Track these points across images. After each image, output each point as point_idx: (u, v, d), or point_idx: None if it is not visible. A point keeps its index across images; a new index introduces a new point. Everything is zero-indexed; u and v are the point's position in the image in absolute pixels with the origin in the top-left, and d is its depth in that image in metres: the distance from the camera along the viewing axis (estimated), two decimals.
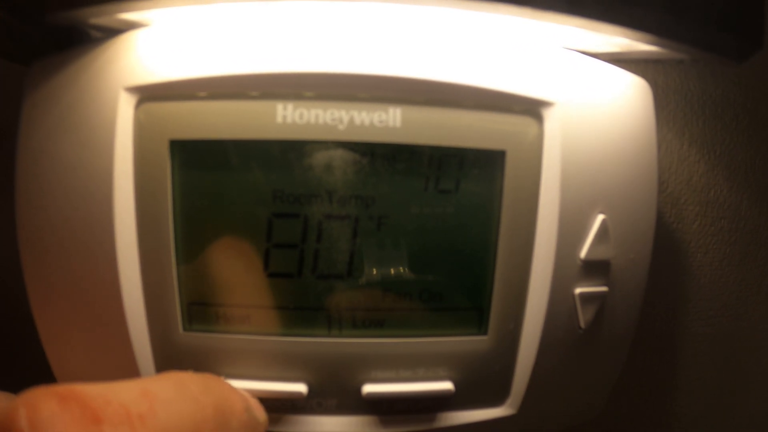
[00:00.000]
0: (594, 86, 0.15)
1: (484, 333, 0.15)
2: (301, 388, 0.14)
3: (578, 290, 0.15)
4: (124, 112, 0.13)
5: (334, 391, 0.15)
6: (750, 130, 0.22)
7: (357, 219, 0.14)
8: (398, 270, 0.14)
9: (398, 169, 0.14)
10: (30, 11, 0.13)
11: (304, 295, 0.14)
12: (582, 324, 0.15)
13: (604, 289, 0.15)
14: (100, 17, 0.13)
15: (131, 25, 0.14)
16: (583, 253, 0.15)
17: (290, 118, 0.13)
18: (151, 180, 0.14)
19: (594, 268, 0.15)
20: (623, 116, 0.15)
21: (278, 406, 0.15)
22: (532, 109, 0.14)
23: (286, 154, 0.13)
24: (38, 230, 0.14)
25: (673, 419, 0.24)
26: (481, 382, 0.15)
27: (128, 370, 0.15)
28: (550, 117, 0.14)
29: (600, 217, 0.15)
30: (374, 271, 0.14)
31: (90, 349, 0.15)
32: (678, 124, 0.21)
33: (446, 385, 0.15)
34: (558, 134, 0.14)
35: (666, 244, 0.22)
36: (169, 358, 0.15)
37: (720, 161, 0.22)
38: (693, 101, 0.21)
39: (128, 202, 0.14)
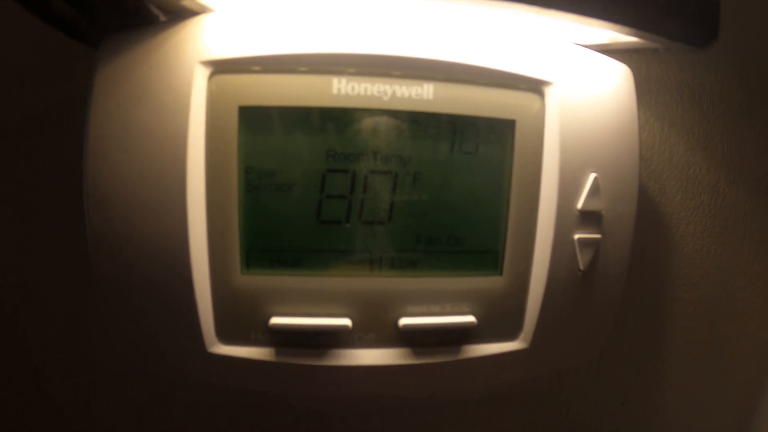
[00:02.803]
0: (585, 69, 0.20)
1: (500, 273, 0.20)
2: (346, 322, 0.19)
3: (577, 236, 0.20)
4: (199, 83, 0.18)
5: (374, 326, 0.19)
6: (726, 115, 0.29)
7: (396, 174, 0.19)
8: (429, 218, 0.19)
9: (430, 133, 0.19)
10: None
11: (350, 240, 0.19)
12: (581, 266, 0.20)
13: (598, 236, 0.20)
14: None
15: (193, 12, 0.18)
16: (579, 204, 0.20)
17: (344, 90, 0.18)
18: (220, 141, 0.18)
19: (589, 218, 0.20)
20: (609, 94, 0.21)
21: (323, 342, 0.20)
22: (535, 87, 0.20)
23: (339, 120, 0.18)
24: (107, 185, 0.18)
25: (662, 379, 0.30)
26: (498, 317, 0.20)
27: (188, 312, 0.19)
28: (550, 94, 0.20)
29: (592, 175, 0.20)
30: (410, 219, 0.19)
31: (151, 294, 0.19)
32: (659, 109, 0.27)
33: (469, 319, 0.20)
34: (557, 107, 0.20)
35: (651, 216, 0.28)
36: (227, 299, 0.19)
37: (698, 143, 0.28)
38: (672, 89, 0.28)
39: (199, 161, 0.18)
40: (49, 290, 0.24)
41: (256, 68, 0.18)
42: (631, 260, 0.21)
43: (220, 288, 0.19)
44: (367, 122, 0.18)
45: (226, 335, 0.19)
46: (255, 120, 0.18)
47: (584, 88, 0.20)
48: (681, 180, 0.28)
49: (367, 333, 0.20)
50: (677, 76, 0.27)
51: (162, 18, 0.20)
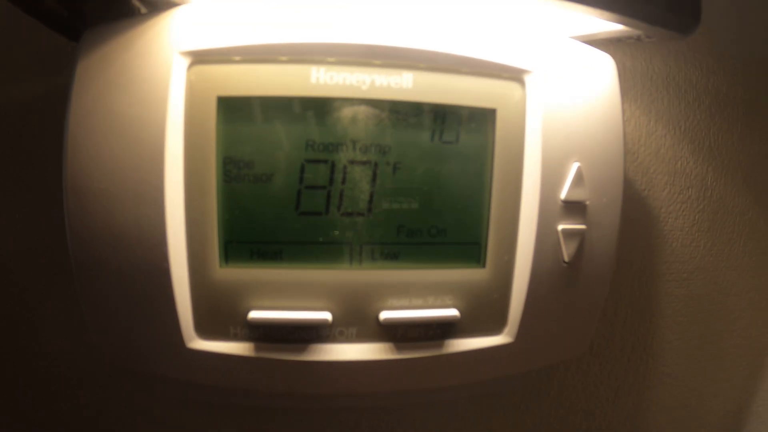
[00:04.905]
0: (566, 58, 0.21)
1: (483, 265, 0.20)
2: (326, 316, 0.19)
3: (561, 227, 0.20)
4: (177, 73, 0.18)
5: (355, 319, 0.19)
6: (712, 109, 0.29)
7: (376, 164, 0.19)
8: (410, 208, 0.19)
9: (410, 122, 0.19)
10: None
11: (330, 231, 0.19)
12: (566, 257, 0.20)
13: (582, 227, 0.20)
14: None
15: (172, 3, 0.18)
16: (563, 194, 0.20)
17: (322, 79, 0.18)
18: (198, 131, 0.18)
19: (573, 209, 0.20)
20: (591, 82, 0.21)
21: (303, 336, 0.19)
22: (516, 75, 0.20)
23: (318, 109, 0.18)
24: (85, 174, 0.18)
25: (654, 374, 0.30)
26: (482, 310, 0.20)
27: (166, 305, 0.18)
28: (531, 82, 0.20)
29: (576, 165, 0.20)
30: (390, 209, 0.19)
31: (129, 287, 0.18)
32: (644, 102, 0.27)
33: (452, 312, 0.19)
34: (538, 96, 0.20)
35: (639, 209, 0.28)
36: (206, 293, 0.19)
37: (685, 136, 0.28)
38: (658, 82, 0.28)
39: (178, 151, 0.18)
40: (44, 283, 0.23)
41: (235, 58, 0.18)
42: (619, 253, 0.21)
43: (198, 281, 0.19)
44: (346, 111, 0.18)
45: (204, 330, 0.19)
46: (233, 110, 0.18)
47: (566, 77, 0.20)
48: (668, 174, 0.28)
49: (347, 327, 0.19)
50: (662, 69, 0.28)
51: (143, 10, 0.20)
